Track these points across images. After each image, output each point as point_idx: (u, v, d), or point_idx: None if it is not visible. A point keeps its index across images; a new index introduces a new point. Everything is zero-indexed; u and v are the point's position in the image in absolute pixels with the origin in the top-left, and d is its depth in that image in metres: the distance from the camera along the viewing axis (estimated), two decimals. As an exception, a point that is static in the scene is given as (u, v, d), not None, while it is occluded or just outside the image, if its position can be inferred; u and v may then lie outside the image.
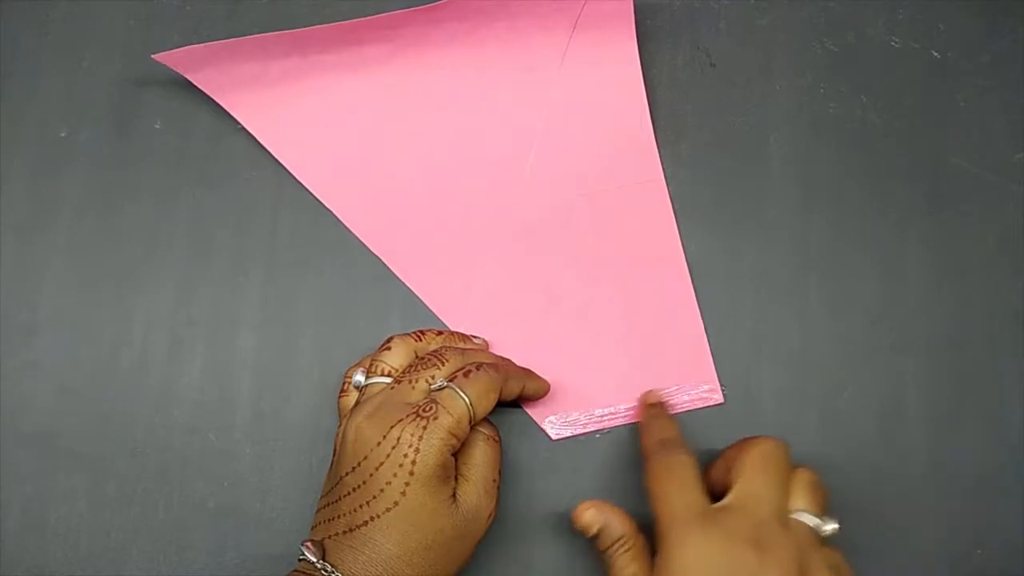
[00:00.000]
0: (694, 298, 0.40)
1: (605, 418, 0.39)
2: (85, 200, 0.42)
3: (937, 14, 0.45)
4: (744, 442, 0.35)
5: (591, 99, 0.42)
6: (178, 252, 0.42)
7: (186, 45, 0.39)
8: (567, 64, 0.41)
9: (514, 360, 0.39)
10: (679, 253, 0.41)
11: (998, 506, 0.40)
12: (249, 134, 0.43)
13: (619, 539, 0.35)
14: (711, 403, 0.40)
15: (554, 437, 0.39)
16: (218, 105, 0.42)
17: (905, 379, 0.41)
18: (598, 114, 0.42)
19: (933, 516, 0.40)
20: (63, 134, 0.43)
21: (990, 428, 0.40)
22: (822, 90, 0.44)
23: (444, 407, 0.32)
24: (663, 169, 0.42)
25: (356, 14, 0.39)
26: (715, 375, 0.40)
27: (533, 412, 0.40)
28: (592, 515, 0.35)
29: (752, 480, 0.33)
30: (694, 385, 0.39)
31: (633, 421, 0.39)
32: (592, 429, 0.39)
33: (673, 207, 0.42)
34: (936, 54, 0.44)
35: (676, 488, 0.33)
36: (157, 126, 0.43)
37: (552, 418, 0.39)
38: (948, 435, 0.40)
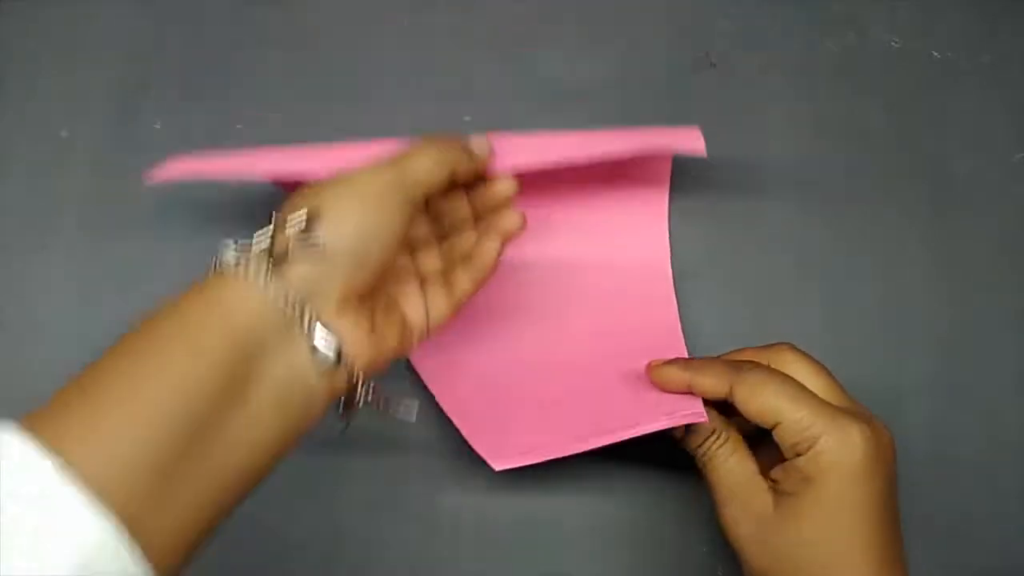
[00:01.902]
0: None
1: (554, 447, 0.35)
2: (85, 200, 0.42)
3: (937, 14, 0.45)
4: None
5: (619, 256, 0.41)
6: (178, 252, 0.42)
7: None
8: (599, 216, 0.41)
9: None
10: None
11: (998, 506, 0.40)
12: (248, 135, 0.43)
13: (711, 434, 0.33)
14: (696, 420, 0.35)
15: (497, 468, 0.35)
16: (217, 108, 0.42)
17: (905, 379, 0.41)
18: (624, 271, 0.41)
19: (932, 516, 0.40)
20: (63, 134, 0.43)
21: (990, 428, 0.40)
22: (822, 90, 0.44)
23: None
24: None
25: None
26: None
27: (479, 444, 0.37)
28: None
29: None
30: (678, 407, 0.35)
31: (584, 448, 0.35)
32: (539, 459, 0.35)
33: (674, 207, 0.42)
34: (936, 54, 0.44)
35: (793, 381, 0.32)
36: (157, 126, 0.43)
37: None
38: (948, 435, 0.40)
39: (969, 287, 0.42)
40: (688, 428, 0.33)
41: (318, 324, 0.28)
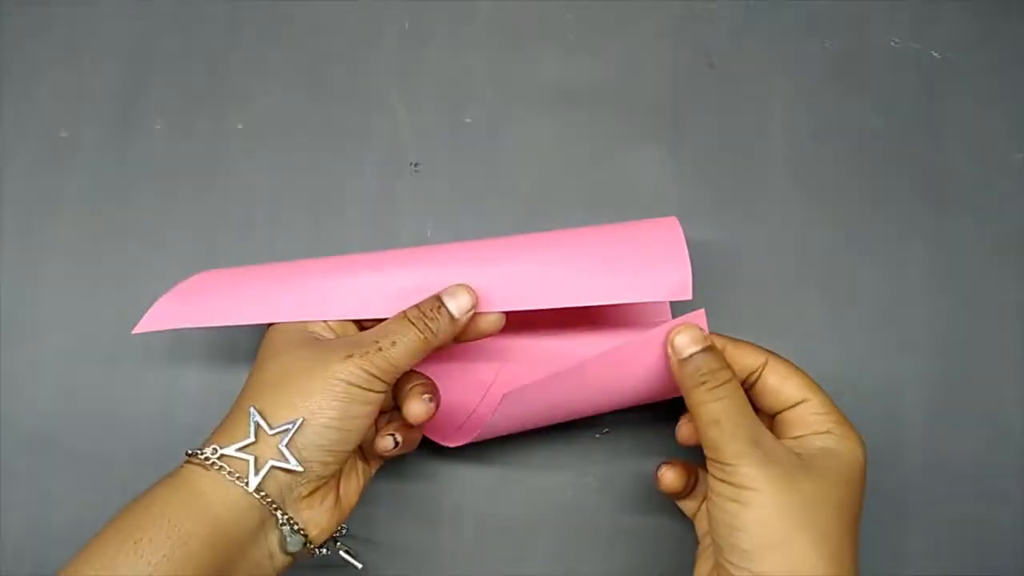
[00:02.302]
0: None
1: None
2: (85, 200, 0.42)
3: (937, 14, 0.45)
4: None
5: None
6: (178, 252, 0.42)
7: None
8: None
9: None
10: None
11: (998, 506, 0.40)
12: (248, 134, 0.43)
13: (716, 368, 0.33)
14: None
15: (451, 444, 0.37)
16: (217, 108, 0.42)
17: (905, 379, 0.41)
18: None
19: (933, 516, 0.40)
20: (63, 134, 0.43)
21: (990, 428, 0.40)
22: (822, 90, 0.44)
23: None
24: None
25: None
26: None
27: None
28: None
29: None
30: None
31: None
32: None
33: (674, 209, 0.42)
34: (936, 54, 0.44)
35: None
36: (157, 126, 0.43)
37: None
38: (948, 435, 0.40)
39: (969, 287, 0.42)
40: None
41: (290, 518, 0.31)
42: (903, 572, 0.39)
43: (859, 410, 0.40)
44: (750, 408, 0.32)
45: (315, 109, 0.43)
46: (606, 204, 0.42)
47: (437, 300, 0.34)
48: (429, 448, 0.39)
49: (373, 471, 0.36)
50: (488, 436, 0.37)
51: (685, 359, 0.32)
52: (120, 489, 0.39)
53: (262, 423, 0.31)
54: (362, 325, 0.36)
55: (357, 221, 0.42)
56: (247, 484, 0.30)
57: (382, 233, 0.42)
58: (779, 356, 0.34)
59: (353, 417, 0.32)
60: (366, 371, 0.31)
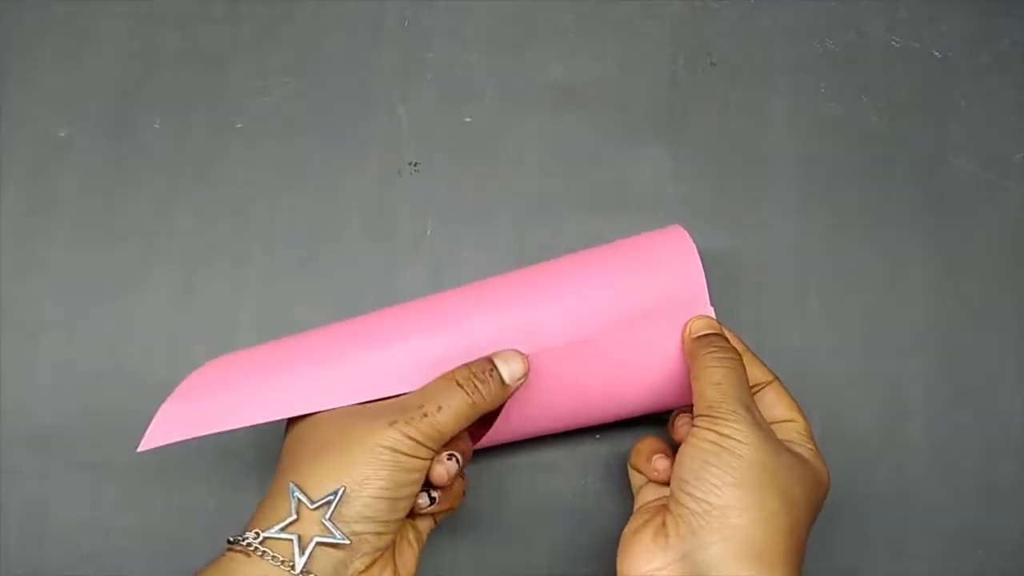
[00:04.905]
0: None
1: None
2: (85, 200, 0.42)
3: (937, 14, 0.45)
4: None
5: None
6: (178, 252, 0.42)
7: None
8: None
9: None
10: None
11: (998, 506, 0.40)
12: (248, 134, 0.43)
13: (726, 344, 0.34)
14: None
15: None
16: (217, 108, 0.42)
17: (905, 379, 0.41)
18: None
19: (933, 516, 0.40)
20: (63, 134, 0.43)
21: (990, 428, 0.40)
22: (822, 90, 0.44)
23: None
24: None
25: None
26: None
27: None
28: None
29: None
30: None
31: None
32: None
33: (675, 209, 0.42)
34: (936, 54, 0.44)
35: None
36: (157, 126, 0.43)
37: None
38: (948, 435, 0.40)
39: (969, 287, 0.42)
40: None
41: None
42: (903, 572, 0.39)
43: (859, 410, 0.41)
44: (748, 385, 0.33)
45: (315, 109, 0.43)
46: (606, 204, 0.42)
47: (489, 363, 0.32)
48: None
49: (426, 535, 0.34)
50: (495, 440, 0.36)
51: (699, 336, 0.34)
52: (119, 489, 0.39)
53: (303, 498, 0.29)
54: None
55: (357, 221, 0.42)
56: (293, 567, 0.28)
57: (382, 233, 0.42)
58: (783, 383, 0.35)
59: (401, 485, 0.30)
60: (411, 438, 0.30)
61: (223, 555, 0.29)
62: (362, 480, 0.29)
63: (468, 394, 0.31)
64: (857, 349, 0.41)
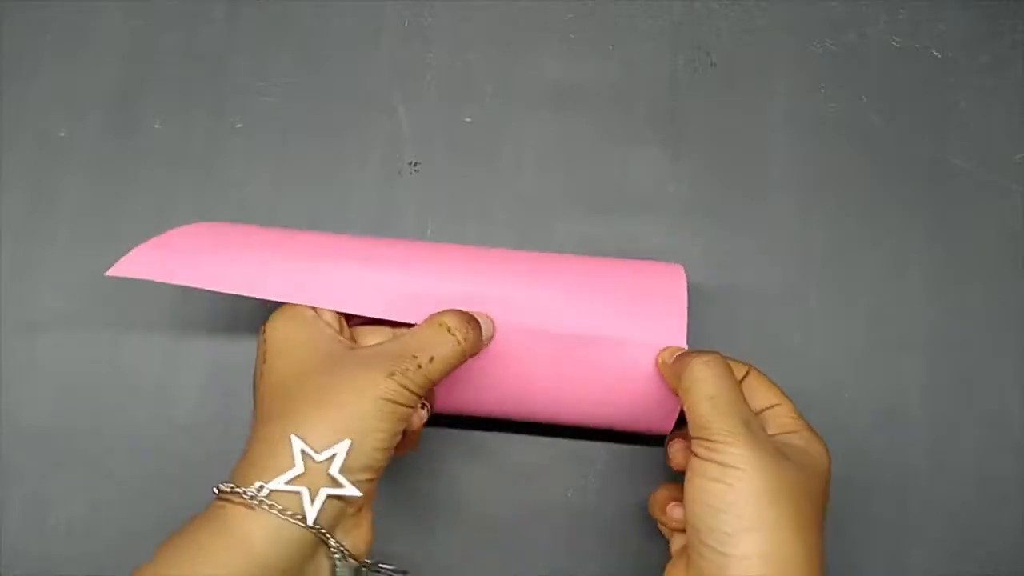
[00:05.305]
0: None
1: None
2: (85, 200, 0.42)
3: (937, 14, 0.45)
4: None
5: None
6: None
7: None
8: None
9: None
10: None
11: (998, 506, 0.40)
12: (248, 134, 0.43)
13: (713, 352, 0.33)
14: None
15: None
16: (217, 108, 0.42)
17: (905, 379, 0.41)
18: None
19: (933, 516, 0.40)
20: (63, 134, 0.43)
21: (990, 428, 0.40)
22: (822, 90, 0.44)
23: None
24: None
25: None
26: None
27: None
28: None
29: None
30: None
31: None
32: None
33: (675, 208, 0.42)
34: (936, 54, 0.44)
35: None
36: (157, 126, 0.43)
37: None
38: (948, 435, 0.40)
39: (969, 287, 0.42)
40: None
41: (342, 546, 0.29)
42: (903, 572, 0.39)
43: (859, 410, 0.41)
44: (743, 393, 0.32)
45: (315, 109, 0.43)
46: (606, 204, 0.42)
47: (470, 316, 0.33)
48: (429, 448, 0.39)
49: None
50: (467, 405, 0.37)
51: (684, 353, 0.34)
52: (119, 489, 0.39)
53: (308, 450, 0.28)
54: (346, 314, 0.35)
55: (357, 221, 0.42)
56: (304, 519, 0.28)
57: (382, 233, 0.42)
58: (758, 370, 0.35)
59: (396, 435, 0.30)
60: (408, 389, 0.30)
61: (217, 508, 0.28)
62: (366, 432, 0.29)
63: (459, 342, 0.32)
64: (857, 349, 0.41)
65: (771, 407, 0.34)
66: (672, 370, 0.34)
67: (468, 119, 0.44)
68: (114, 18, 0.44)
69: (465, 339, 0.32)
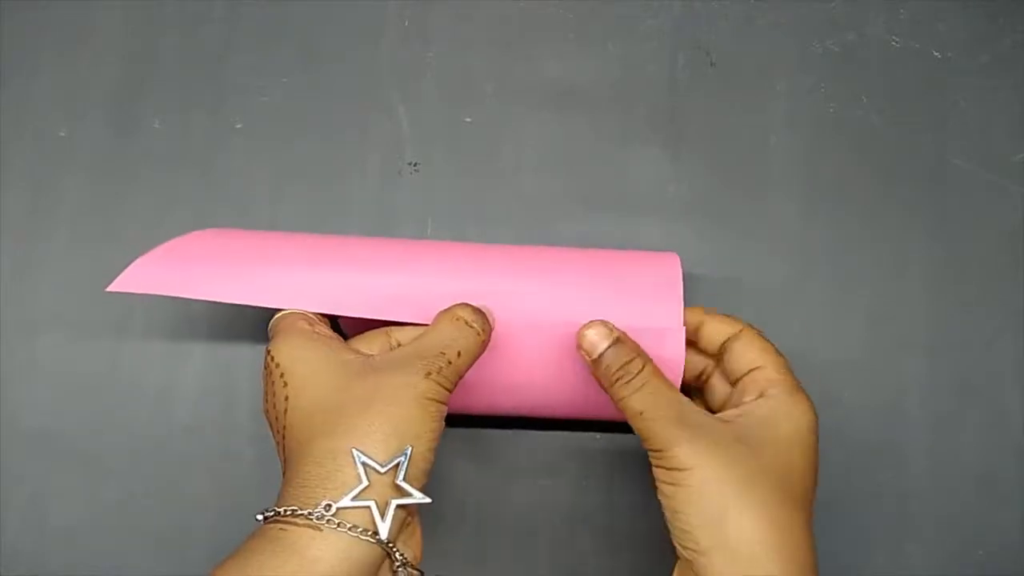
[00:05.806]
0: None
1: None
2: (85, 200, 0.42)
3: (937, 14, 0.45)
4: None
5: None
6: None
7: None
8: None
9: None
10: None
11: (998, 506, 0.40)
12: (248, 134, 0.43)
13: (627, 361, 0.32)
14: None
15: None
16: (217, 108, 0.42)
17: (905, 379, 0.41)
18: None
19: (933, 516, 0.40)
20: (63, 134, 0.43)
21: (990, 428, 0.40)
22: (822, 90, 0.44)
23: None
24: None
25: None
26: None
27: None
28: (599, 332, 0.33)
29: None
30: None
31: None
32: None
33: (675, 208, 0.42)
34: (936, 54, 0.44)
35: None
36: (157, 126, 0.43)
37: None
38: (948, 435, 0.40)
39: (969, 287, 0.42)
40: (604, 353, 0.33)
41: (404, 558, 0.29)
42: (903, 572, 0.39)
43: (859, 410, 0.41)
44: (673, 390, 0.32)
45: (315, 109, 0.43)
46: (606, 204, 0.42)
47: (478, 308, 0.33)
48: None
49: None
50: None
51: (597, 359, 0.33)
52: (119, 489, 0.39)
53: (371, 463, 0.28)
54: (336, 320, 0.35)
55: (357, 221, 0.42)
56: (375, 534, 0.27)
57: (382, 233, 0.42)
58: (755, 329, 0.35)
59: (440, 434, 0.30)
60: (443, 386, 0.30)
61: (277, 531, 0.27)
62: (418, 435, 0.29)
63: (479, 333, 0.32)
64: (857, 349, 0.41)
65: (752, 370, 0.33)
66: (595, 376, 0.34)
67: (468, 119, 0.44)
68: (114, 18, 0.44)
69: (483, 330, 0.32)
